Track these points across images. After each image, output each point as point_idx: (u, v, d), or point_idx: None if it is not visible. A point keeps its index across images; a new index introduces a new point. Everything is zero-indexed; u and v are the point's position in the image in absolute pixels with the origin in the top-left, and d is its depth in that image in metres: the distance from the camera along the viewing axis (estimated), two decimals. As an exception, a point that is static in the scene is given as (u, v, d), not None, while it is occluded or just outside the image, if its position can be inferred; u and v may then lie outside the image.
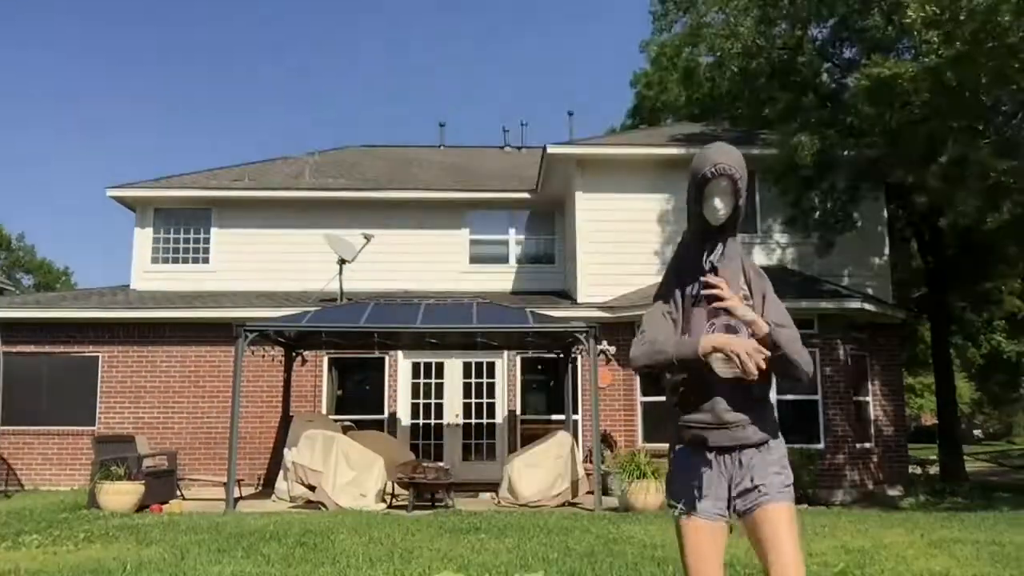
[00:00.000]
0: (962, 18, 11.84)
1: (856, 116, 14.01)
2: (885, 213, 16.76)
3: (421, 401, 15.96)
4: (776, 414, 2.99)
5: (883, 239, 16.66)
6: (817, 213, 15.28)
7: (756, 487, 2.82)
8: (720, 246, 2.93)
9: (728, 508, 2.86)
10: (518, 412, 15.86)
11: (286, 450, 12.62)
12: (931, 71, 11.96)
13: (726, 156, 2.85)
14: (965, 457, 20.04)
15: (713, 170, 2.82)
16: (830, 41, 17.46)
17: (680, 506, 2.88)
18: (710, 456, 2.85)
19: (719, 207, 2.87)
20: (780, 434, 2.97)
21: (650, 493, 11.14)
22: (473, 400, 16.01)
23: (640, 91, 29.51)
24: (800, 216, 15.34)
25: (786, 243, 16.19)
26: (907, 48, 15.16)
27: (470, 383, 16.08)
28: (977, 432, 57.36)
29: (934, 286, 19.47)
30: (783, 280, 15.33)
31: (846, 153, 14.55)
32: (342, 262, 16.22)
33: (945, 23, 12.08)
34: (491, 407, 15.97)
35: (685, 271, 2.96)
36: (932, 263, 19.37)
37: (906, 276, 22.94)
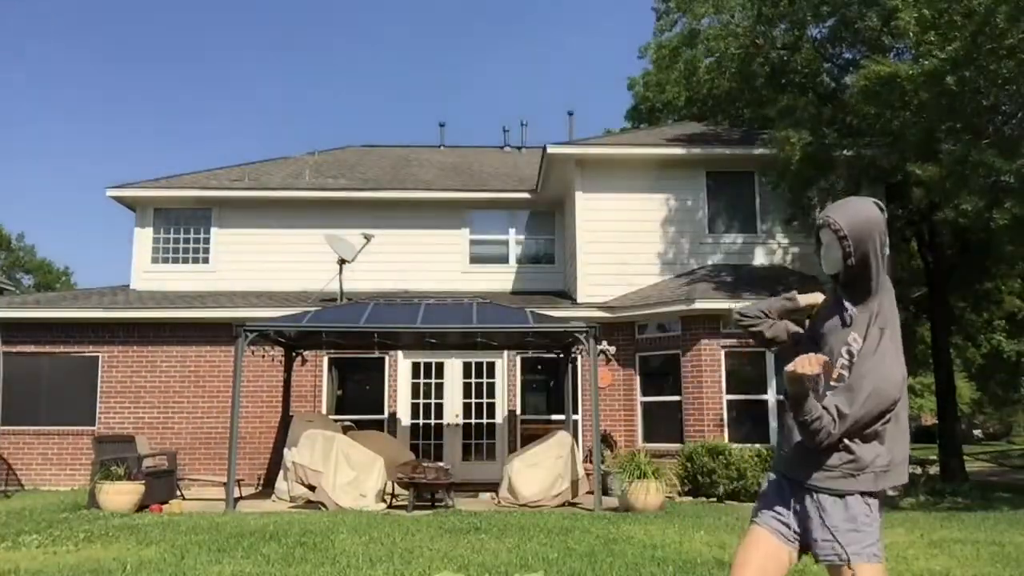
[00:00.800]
0: (958, 20, 11.85)
1: (855, 115, 14.03)
2: (885, 213, 16.72)
3: (421, 401, 15.96)
4: (870, 468, 2.87)
5: (883, 239, 16.62)
6: (818, 210, 15.29)
7: (828, 540, 2.85)
8: (846, 302, 2.98)
9: (797, 541, 2.95)
10: (518, 412, 15.86)
11: (286, 450, 12.62)
12: (930, 73, 11.97)
13: (836, 210, 2.96)
14: (965, 457, 20.02)
15: (820, 220, 2.97)
16: (829, 40, 17.48)
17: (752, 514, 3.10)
18: (784, 483, 3.02)
19: (823, 255, 2.99)
20: (871, 494, 2.89)
21: (650, 493, 11.15)
22: (473, 400, 16.01)
23: (638, 92, 29.48)
24: (799, 213, 15.36)
25: (787, 244, 16.20)
26: (905, 49, 15.19)
27: (470, 383, 16.08)
28: (977, 432, 57.33)
29: (934, 286, 19.44)
30: (781, 280, 15.34)
31: (845, 153, 14.58)
32: (342, 262, 16.22)
33: (942, 26, 12.09)
34: (491, 407, 15.97)
35: (820, 312, 3.13)
36: (932, 263, 19.35)
37: (906, 276, 22.93)
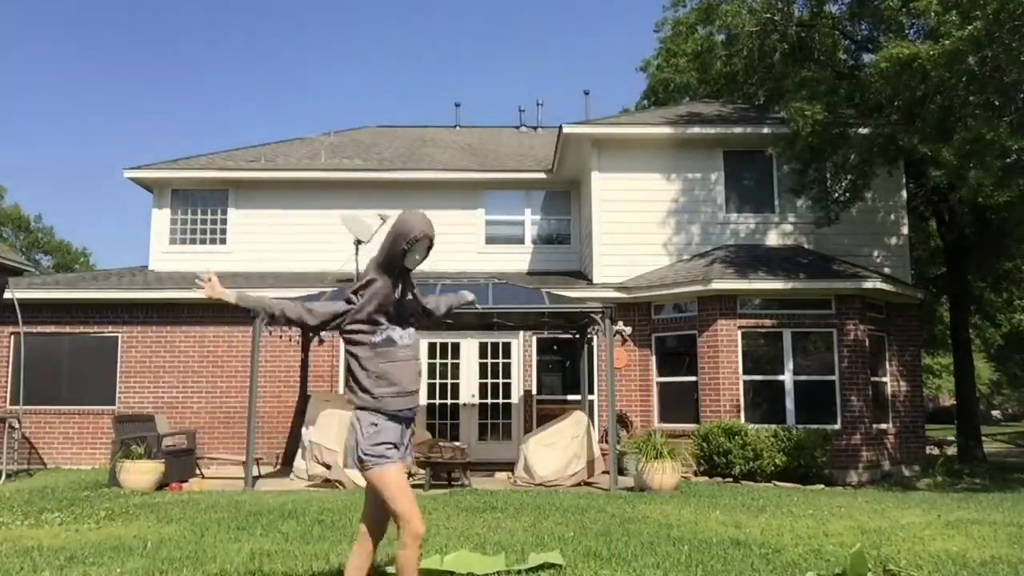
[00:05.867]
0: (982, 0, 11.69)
1: (873, 93, 13.89)
2: (904, 192, 16.62)
3: (437, 381, 16.02)
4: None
5: (902, 218, 16.53)
6: (828, 183, 15.19)
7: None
8: (409, 281, 4.31)
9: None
10: (534, 392, 15.90)
11: (304, 429, 12.71)
12: (951, 53, 11.83)
13: (429, 226, 4.14)
14: (983, 438, 19.94)
15: (421, 234, 4.10)
16: (847, 18, 17.31)
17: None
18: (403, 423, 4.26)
19: (417, 259, 4.20)
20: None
21: (666, 473, 11.17)
22: (489, 380, 16.04)
23: (653, 73, 29.27)
24: (808, 185, 15.24)
25: (804, 223, 16.10)
26: (923, 28, 15.03)
27: (486, 363, 16.10)
28: (996, 413, 57.09)
29: (953, 265, 19.31)
30: (798, 260, 15.26)
31: (861, 131, 14.45)
32: (358, 243, 16.23)
33: (963, 4, 11.94)
34: (507, 387, 16.01)
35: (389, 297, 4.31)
36: (950, 242, 19.20)
37: (925, 255, 22.76)
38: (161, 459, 11.60)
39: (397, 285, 4.20)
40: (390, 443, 4.08)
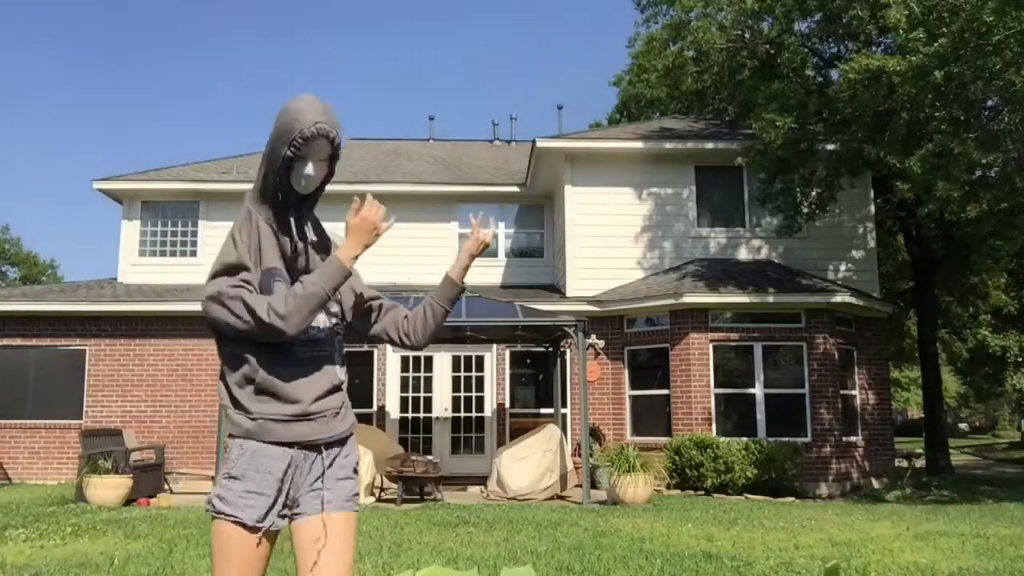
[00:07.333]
0: (946, 17, 11.91)
1: (842, 104, 14.06)
2: (872, 207, 16.84)
3: (410, 395, 15.95)
4: None
5: (870, 232, 16.74)
6: (797, 194, 15.35)
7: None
8: (303, 212, 2.73)
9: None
10: (507, 406, 15.88)
11: (274, 444, 12.58)
12: (917, 68, 12.04)
13: (332, 116, 2.45)
14: (951, 450, 20.18)
15: (319, 129, 2.40)
16: (816, 35, 17.55)
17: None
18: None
19: (310, 172, 2.57)
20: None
21: (638, 486, 11.20)
22: (462, 394, 16.00)
23: (625, 88, 29.50)
24: (774, 196, 15.37)
25: (774, 238, 16.24)
26: (892, 44, 15.28)
27: (459, 377, 16.07)
28: (963, 426, 57.81)
29: (920, 279, 19.57)
30: (768, 275, 15.40)
31: (828, 147, 14.64)
32: (331, 255, 16.16)
33: (931, 22, 12.16)
34: (480, 401, 15.98)
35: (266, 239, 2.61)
36: (918, 256, 19.48)
37: (893, 269, 23.06)
38: (129, 474, 11.45)
39: (286, 226, 2.62)
40: (252, 491, 2.33)
